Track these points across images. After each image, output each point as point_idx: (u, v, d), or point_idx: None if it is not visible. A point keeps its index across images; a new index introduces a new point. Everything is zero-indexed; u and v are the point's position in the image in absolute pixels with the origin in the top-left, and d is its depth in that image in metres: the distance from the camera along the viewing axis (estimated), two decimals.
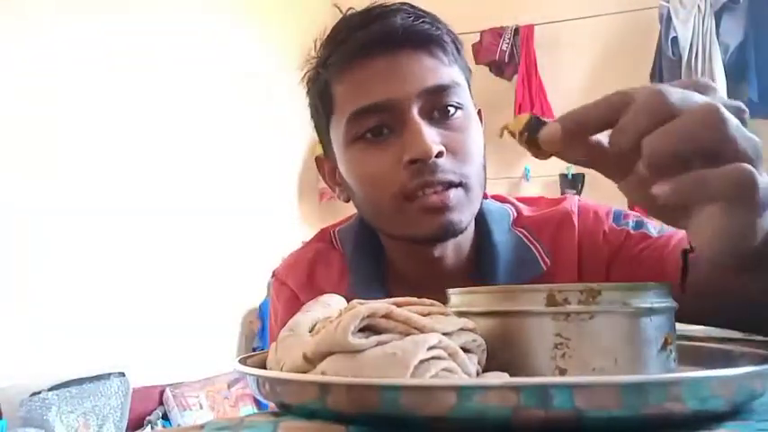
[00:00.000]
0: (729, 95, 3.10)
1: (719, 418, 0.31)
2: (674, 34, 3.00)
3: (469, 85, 0.72)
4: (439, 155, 0.63)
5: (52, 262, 2.07)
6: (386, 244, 0.75)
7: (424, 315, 0.36)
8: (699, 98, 0.36)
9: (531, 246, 0.73)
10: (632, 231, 0.70)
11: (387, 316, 0.35)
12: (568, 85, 3.18)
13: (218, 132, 2.78)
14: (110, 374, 2.13)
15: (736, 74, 2.96)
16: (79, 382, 2.03)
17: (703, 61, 2.95)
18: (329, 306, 0.45)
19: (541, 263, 0.71)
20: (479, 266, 0.73)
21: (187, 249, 2.55)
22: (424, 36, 0.66)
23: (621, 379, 0.30)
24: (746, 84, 2.94)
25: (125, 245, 2.31)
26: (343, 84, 0.68)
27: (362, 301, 0.37)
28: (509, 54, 3.32)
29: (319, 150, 0.79)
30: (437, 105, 0.66)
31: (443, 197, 0.64)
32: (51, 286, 2.06)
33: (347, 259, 0.78)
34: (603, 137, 0.39)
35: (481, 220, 0.73)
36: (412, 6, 0.68)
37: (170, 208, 2.51)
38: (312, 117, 0.75)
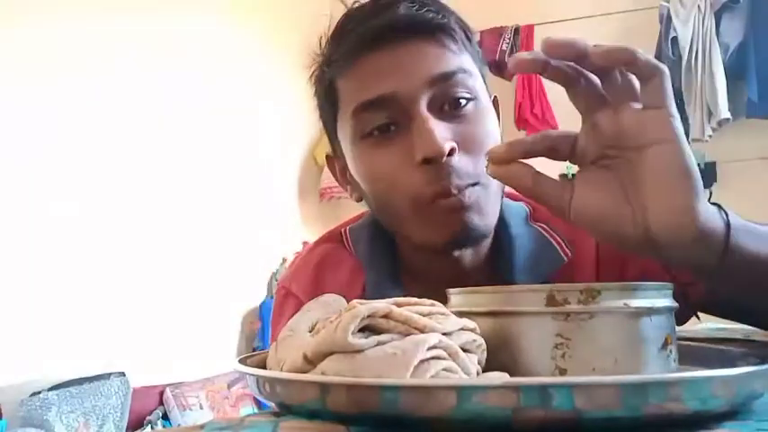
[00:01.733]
0: (729, 95, 3.10)
1: (719, 418, 0.31)
2: (674, 34, 3.01)
3: (483, 75, 0.68)
4: (451, 152, 0.60)
5: (52, 262, 2.07)
6: (401, 243, 0.73)
7: (424, 315, 0.36)
8: None
9: (550, 238, 0.70)
10: None
11: (387, 316, 0.35)
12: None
13: (218, 132, 2.78)
14: (110, 374, 2.12)
15: (736, 74, 2.96)
16: (79, 382, 2.03)
17: (703, 61, 2.95)
18: (329, 306, 0.45)
19: (562, 254, 0.68)
20: (497, 262, 0.70)
21: (187, 249, 2.55)
22: (430, 24, 0.63)
23: (621, 379, 0.30)
24: (746, 84, 2.94)
25: (125, 245, 2.31)
26: (347, 79, 0.65)
27: (363, 301, 0.37)
28: (509, 54, 3.33)
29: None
30: (446, 97, 0.63)
31: (460, 199, 0.61)
32: (51, 286, 2.06)
33: (362, 257, 0.75)
34: None
35: (500, 224, 0.70)
36: None
37: (170, 208, 2.51)
38: (320, 117, 0.73)
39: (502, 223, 0.70)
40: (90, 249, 2.19)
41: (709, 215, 0.42)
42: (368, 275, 0.73)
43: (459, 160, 0.61)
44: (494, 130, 0.66)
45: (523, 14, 3.39)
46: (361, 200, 0.72)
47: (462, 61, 0.64)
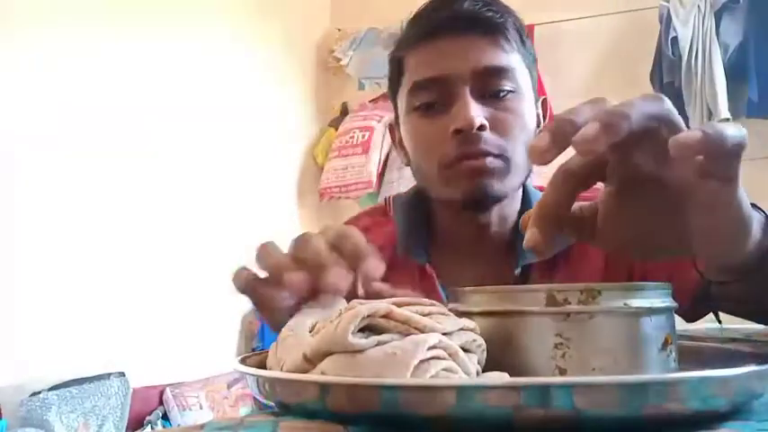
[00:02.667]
0: (729, 95, 3.11)
1: (719, 418, 0.31)
2: (674, 34, 3.00)
3: (532, 75, 0.77)
4: (481, 127, 0.70)
5: (52, 262, 2.07)
6: (436, 210, 0.81)
7: (424, 315, 0.36)
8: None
9: None
10: None
11: (387, 316, 0.35)
12: (569, 85, 3.18)
13: (217, 133, 2.77)
14: (110, 374, 2.13)
15: (736, 74, 2.96)
16: (79, 382, 2.03)
17: (703, 61, 2.95)
18: (329, 305, 0.45)
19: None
20: (519, 235, 0.74)
21: (187, 249, 2.55)
22: (488, 22, 0.73)
23: (621, 379, 0.30)
24: (746, 84, 2.93)
25: (125, 245, 2.31)
26: (411, 59, 0.76)
27: (363, 300, 0.37)
28: None
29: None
30: (489, 87, 0.72)
31: (481, 163, 0.70)
32: (52, 286, 2.06)
33: (398, 222, 0.83)
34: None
35: (525, 199, 0.79)
36: None
37: (170, 208, 2.51)
38: (388, 89, 0.84)
39: (528, 206, 0.78)
40: (90, 250, 2.19)
41: (755, 235, 0.43)
42: (399, 238, 0.81)
43: (488, 135, 0.71)
44: (528, 123, 0.74)
45: (523, 14, 3.37)
46: (409, 165, 0.82)
47: (511, 59, 0.74)
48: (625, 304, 0.37)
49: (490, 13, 0.73)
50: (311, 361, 0.35)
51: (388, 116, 3.15)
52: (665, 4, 3.06)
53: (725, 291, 0.51)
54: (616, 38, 3.24)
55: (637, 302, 0.37)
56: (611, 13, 3.19)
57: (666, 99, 0.38)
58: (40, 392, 1.91)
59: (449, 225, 0.80)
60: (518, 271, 0.76)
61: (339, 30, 3.43)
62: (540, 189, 0.84)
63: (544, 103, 0.82)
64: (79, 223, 2.16)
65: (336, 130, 3.27)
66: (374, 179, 3.04)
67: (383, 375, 0.32)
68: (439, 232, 0.82)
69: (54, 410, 1.90)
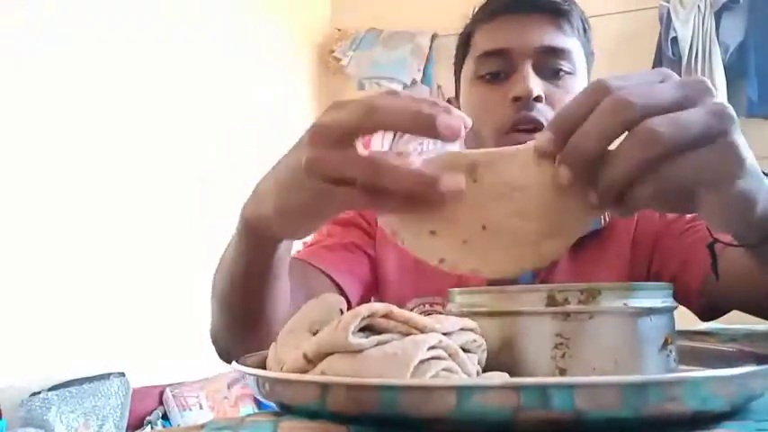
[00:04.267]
0: (729, 95, 3.11)
1: (719, 418, 0.31)
2: (674, 34, 3.00)
3: (588, 62, 0.85)
4: (538, 98, 0.75)
5: (52, 262, 2.07)
6: None
7: (426, 315, 0.36)
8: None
9: None
10: (687, 214, 0.78)
11: (387, 316, 0.35)
12: None
13: (217, 133, 2.78)
14: (110, 374, 2.13)
15: (736, 74, 2.96)
16: (79, 382, 2.03)
17: (703, 61, 2.95)
18: (330, 305, 0.45)
19: (601, 219, 0.81)
20: None
21: (187, 249, 2.55)
22: (555, 7, 0.80)
23: (622, 379, 0.30)
24: (746, 84, 2.93)
25: (125, 245, 2.31)
26: (481, 32, 0.83)
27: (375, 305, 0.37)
28: None
29: None
30: (549, 66, 0.78)
31: (532, 135, 0.72)
32: (52, 286, 2.06)
33: None
34: None
35: None
36: None
37: (170, 207, 2.51)
38: (454, 63, 0.89)
39: None
40: (90, 250, 2.19)
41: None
42: None
43: (542, 106, 0.75)
44: None
45: None
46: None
47: (570, 44, 0.80)
48: (625, 304, 0.37)
49: (558, 1, 0.80)
50: (311, 360, 0.35)
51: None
52: (665, 4, 3.06)
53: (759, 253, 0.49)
54: (616, 38, 3.24)
55: (637, 302, 0.38)
56: (611, 13, 3.19)
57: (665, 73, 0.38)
58: (40, 392, 1.91)
59: None
60: None
61: (339, 30, 3.43)
62: None
63: None
64: (79, 223, 2.16)
65: None
66: None
67: (383, 375, 0.32)
68: None
69: (54, 410, 1.90)
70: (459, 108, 0.84)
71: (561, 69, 0.79)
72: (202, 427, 0.31)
